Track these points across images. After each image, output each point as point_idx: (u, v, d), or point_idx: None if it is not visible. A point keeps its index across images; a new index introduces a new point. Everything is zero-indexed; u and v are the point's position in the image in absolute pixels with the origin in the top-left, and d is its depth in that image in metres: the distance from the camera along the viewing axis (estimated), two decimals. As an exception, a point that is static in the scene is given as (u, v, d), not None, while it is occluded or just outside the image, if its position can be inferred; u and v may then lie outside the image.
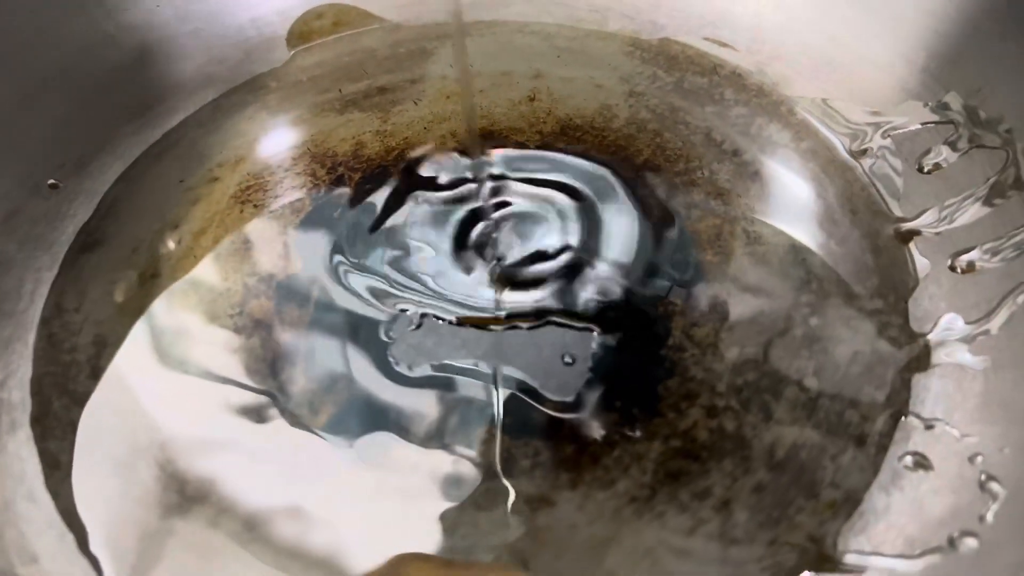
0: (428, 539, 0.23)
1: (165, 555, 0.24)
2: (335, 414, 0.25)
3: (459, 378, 0.26)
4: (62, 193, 0.30)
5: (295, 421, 0.25)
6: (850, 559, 0.22)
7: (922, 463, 0.23)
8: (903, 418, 0.24)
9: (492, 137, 0.32)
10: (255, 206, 0.30)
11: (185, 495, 0.24)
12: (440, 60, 0.35)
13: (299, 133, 0.32)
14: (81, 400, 0.26)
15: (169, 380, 0.26)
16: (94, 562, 0.23)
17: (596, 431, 0.24)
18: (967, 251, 0.27)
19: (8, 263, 0.29)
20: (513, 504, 0.23)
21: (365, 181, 0.31)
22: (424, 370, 0.26)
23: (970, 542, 0.22)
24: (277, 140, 0.32)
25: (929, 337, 0.26)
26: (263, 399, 0.26)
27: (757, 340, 0.26)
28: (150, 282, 0.28)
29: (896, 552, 0.22)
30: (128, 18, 0.33)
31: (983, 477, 0.23)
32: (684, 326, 0.26)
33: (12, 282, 0.29)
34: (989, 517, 0.22)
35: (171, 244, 0.29)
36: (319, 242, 0.29)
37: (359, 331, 0.27)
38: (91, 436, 0.26)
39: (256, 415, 0.26)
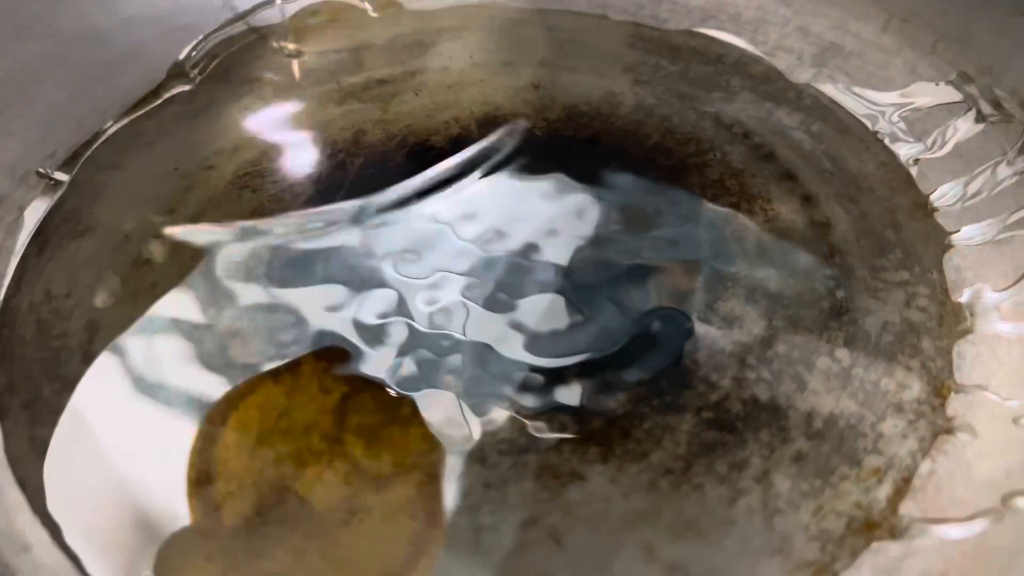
0: (456, 515, 0.22)
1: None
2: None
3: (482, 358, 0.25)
4: (51, 181, 0.29)
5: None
6: (900, 524, 0.21)
7: (965, 428, 0.22)
8: (941, 385, 0.23)
9: (497, 123, 0.31)
10: (253, 191, 0.29)
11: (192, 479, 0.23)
12: (440, 53, 0.34)
13: (297, 123, 0.31)
14: (71, 385, 0.24)
15: (163, 368, 0.25)
16: (70, 555, 0.22)
17: (623, 404, 0.23)
18: (989, 221, 0.26)
19: (-5, 250, 0.27)
20: (541, 479, 0.22)
21: (367, 166, 0.30)
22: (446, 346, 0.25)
23: (1022, 502, 0.21)
24: (274, 129, 0.31)
25: (959, 307, 0.25)
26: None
27: (784, 313, 0.25)
28: (144, 267, 0.27)
29: (946, 516, 0.21)
30: (124, 10, 0.32)
31: (1030, 439, 0.22)
32: (708, 300, 0.25)
33: (-1, 269, 0.27)
34: (1042, 477, 0.21)
35: (166, 229, 0.28)
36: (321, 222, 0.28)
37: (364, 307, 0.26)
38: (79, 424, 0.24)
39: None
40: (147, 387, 0.24)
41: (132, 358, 0.25)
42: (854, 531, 0.21)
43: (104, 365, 0.25)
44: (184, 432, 0.23)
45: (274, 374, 0.24)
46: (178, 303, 0.26)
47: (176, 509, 0.22)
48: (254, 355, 0.25)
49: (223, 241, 0.27)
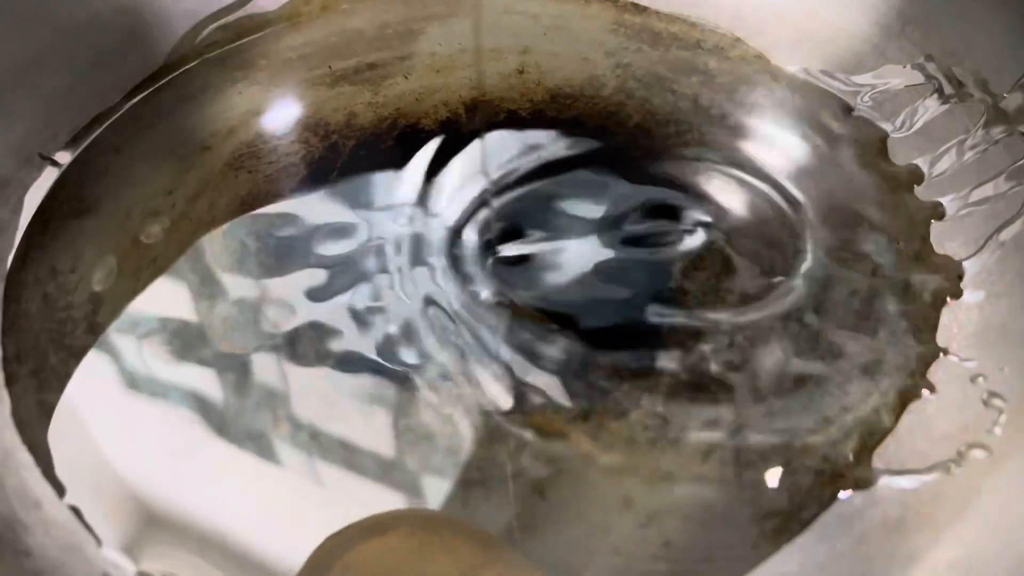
0: (445, 473, 0.23)
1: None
2: (342, 354, 0.25)
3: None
4: (54, 164, 0.30)
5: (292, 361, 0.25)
6: (863, 476, 0.22)
7: (926, 387, 0.24)
8: (904, 347, 0.25)
9: (483, 106, 0.32)
10: (249, 172, 0.30)
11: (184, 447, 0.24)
12: (429, 39, 0.35)
13: (290, 105, 0.33)
14: (78, 354, 0.26)
15: (164, 340, 0.26)
16: (77, 514, 0.23)
17: (605, 367, 0.24)
18: (952, 196, 0.28)
19: (1, 229, 0.28)
20: (526, 437, 0.23)
21: (359, 148, 0.31)
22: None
23: (978, 453, 0.22)
24: (268, 112, 0.32)
25: (922, 275, 0.26)
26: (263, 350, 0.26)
27: (757, 282, 0.26)
28: (145, 244, 0.28)
29: (907, 467, 0.22)
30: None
31: (986, 395, 0.23)
32: (684, 269, 0.27)
33: (5, 246, 0.28)
34: (996, 430, 0.22)
35: (166, 208, 0.29)
36: (315, 203, 0.29)
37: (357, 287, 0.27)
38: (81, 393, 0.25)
39: (254, 366, 0.25)
40: (140, 375, 0.25)
41: (126, 340, 0.26)
42: (821, 483, 0.22)
43: (104, 345, 0.26)
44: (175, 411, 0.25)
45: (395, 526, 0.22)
46: (170, 290, 0.27)
47: (172, 478, 0.23)
48: (244, 344, 0.26)
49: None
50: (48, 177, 0.30)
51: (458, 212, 0.29)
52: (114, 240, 0.28)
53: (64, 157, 0.31)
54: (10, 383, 0.25)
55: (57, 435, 0.24)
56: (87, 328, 0.26)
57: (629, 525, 0.22)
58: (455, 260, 0.27)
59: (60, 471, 0.24)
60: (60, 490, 0.23)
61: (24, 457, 0.23)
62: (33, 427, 0.24)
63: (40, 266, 0.28)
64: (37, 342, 0.26)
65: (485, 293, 0.26)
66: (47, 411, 0.24)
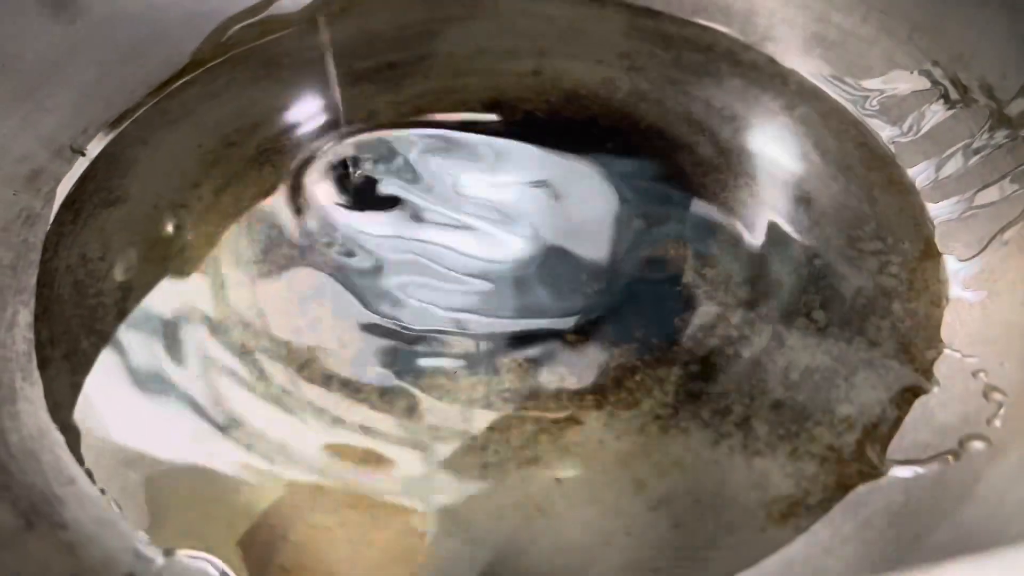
0: (462, 457, 0.24)
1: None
2: (361, 350, 0.26)
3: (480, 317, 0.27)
4: (84, 155, 0.31)
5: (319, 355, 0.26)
6: (868, 464, 0.23)
7: (929, 380, 0.25)
8: (908, 343, 0.25)
9: (500, 106, 0.33)
10: (273, 166, 0.31)
11: (218, 423, 0.25)
12: (447, 39, 0.36)
13: (313, 102, 0.33)
14: (108, 338, 0.27)
15: (191, 328, 0.27)
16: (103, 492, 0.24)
17: (617, 358, 0.25)
18: (957, 198, 0.28)
19: (33, 218, 0.29)
20: (542, 423, 0.24)
21: (380, 144, 0.32)
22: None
23: (978, 444, 0.23)
24: (292, 109, 0.33)
25: (926, 274, 0.27)
26: (289, 339, 0.27)
27: (766, 278, 0.27)
28: (172, 235, 0.29)
29: (909, 457, 0.23)
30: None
31: (986, 389, 0.24)
32: (696, 267, 0.27)
33: (37, 235, 0.29)
34: (996, 422, 0.23)
35: (193, 200, 0.30)
36: (338, 196, 0.30)
37: (380, 276, 0.28)
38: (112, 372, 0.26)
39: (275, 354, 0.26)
40: (168, 361, 0.26)
41: (155, 327, 0.27)
42: (826, 470, 0.23)
43: (134, 331, 0.27)
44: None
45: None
46: (196, 279, 0.28)
47: (200, 461, 0.24)
48: (268, 332, 0.27)
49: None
50: (78, 168, 0.31)
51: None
52: (143, 230, 0.29)
53: (94, 149, 0.32)
54: (43, 366, 0.26)
55: (87, 417, 0.25)
56: (117, 314, 0.27)
57: (640, 508, 0.23)
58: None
59: (87, 452, 0.24)
60: (89, 472, 0.24)
61: (58, 436, 0.24)
62: (66, 408, 0.25)
63: (71, 254, 0.29)
64: (69, 327, 0.27)
65: (501, 284, 0.27)
66: (79, 393, 0.25)
